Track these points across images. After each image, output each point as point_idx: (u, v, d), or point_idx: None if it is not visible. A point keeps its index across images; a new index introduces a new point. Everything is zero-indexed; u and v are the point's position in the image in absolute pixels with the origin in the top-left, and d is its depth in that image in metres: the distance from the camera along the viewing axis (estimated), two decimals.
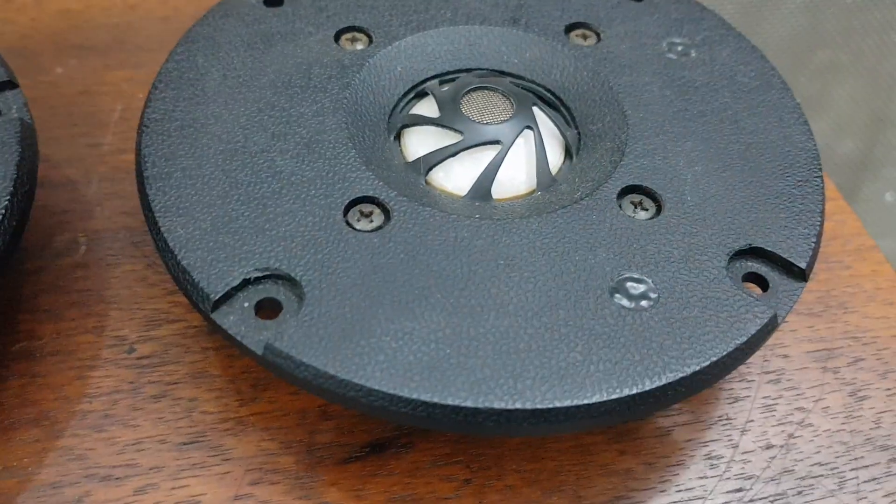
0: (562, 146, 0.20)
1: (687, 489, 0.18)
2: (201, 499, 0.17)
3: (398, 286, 0.16)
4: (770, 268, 0.17)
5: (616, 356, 0.15)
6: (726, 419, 0.19)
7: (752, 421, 0.19)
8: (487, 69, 0.21)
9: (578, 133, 0.20)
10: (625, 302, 0.16)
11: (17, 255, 0.19)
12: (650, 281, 0.17)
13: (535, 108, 0.20)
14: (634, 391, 0.15)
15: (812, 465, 0.19)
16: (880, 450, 0.19)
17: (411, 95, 0.21)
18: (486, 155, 0.19)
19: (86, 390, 0.18)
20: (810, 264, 0.17)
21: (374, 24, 0.21)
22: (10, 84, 0.20)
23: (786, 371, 0.20)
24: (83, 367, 0.19)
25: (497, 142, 0.19)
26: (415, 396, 0.15)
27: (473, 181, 0.19)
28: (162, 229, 0.17)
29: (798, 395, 0.20)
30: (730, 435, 0.19)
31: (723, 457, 0.19)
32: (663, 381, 0.15)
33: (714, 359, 0.16)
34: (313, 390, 0.15)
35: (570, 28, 0.22)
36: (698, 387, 0.16)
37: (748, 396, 0.20)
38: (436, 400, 0.15)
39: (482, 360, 0.15)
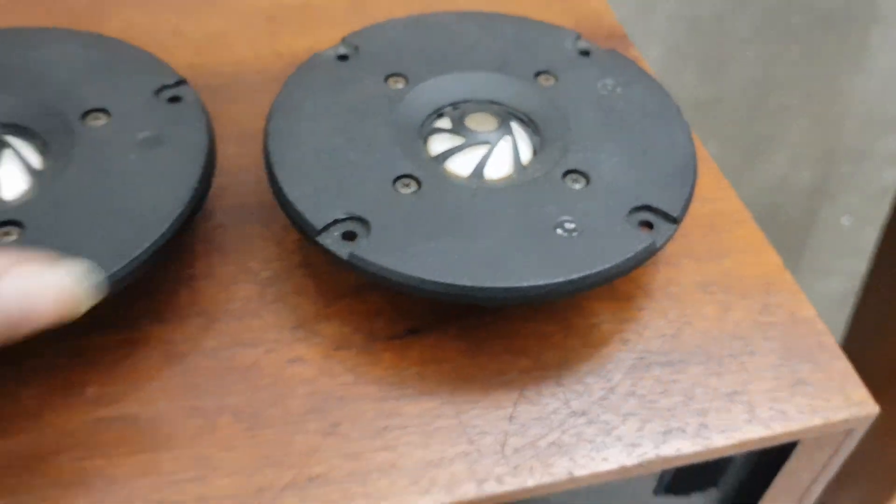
0: (529, 147, 0.31)
1: (609, 354, 0.28)
2: (304, 356, 0.28)
3: (426, 225, 0.27)
4: (655, 217, 0.28)
5: (556, 260, 0.26)
6: (636, 319, 0.30)
7: (653, 321, 0.30)
8: (483, 99, 0.32)
9: (540, 139, 0.31)
10: (560, 231, 0.27)
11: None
12: (578, 222, 0.27)
13: (512, 123, 0.31)
14: (566, 279, 0.26)
15: (691, 346, 0.29)
16: (737, 339, 0.29)
17: (434, 115, 0.32)
18: (481, 151, 0.30)
19: (231, 297, 0.29)
20: (680, 216, 0.28)
21: (410, 71, 0.33)
22: (183, 81, 0.31)
23: (679, 293, 0.31)
24: (229, 283, 0.30)
25: (488, 143, 0.30)
26: (436, 279, 0.26)
27: (473, 167, 0.30)
28: (285, 192, 0.28)
29: (685, 305, 0.30)
30: (637, 328, 0.29)
31: (630, 340, 0.29)
32: (583, 274, 0.26)
33: (612, 263, 0.26)
34: (377, 279, 0.26)
35: (538, 73, 0.33)
36: (603, 280, 0.27)
37: (653, 307, 0.30)
38: (449, 281, 0.26)
39: (477, 262, 0.26)
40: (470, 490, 0.25)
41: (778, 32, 0.65)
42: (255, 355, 0.28)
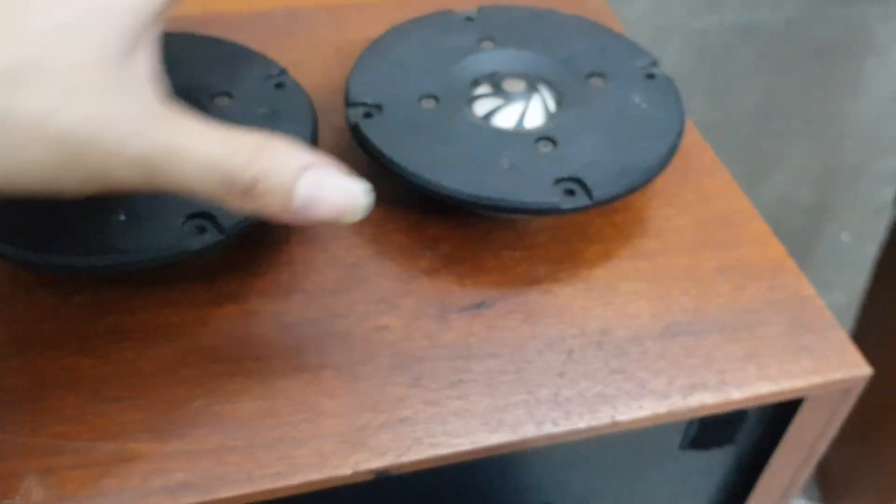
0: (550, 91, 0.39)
1: (641, 325, 0.34)
2: (388, 324, 0.33)
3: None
4: (580, 188, 0.34)
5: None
6: (664, 297, 0.35)
7: (678, 298, 0.35)
8: (526, 74, 0.40)
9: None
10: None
11: None
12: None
13: (538, 84, 0.39)
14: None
15: (711, 318, 0.35)
16: (749, 313, 0.35)
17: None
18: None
19: (324, 278, 0.35)
20: (599, 197, 0.34)
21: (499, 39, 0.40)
22: (285, 71, 0.37)
23: (700, 276, 0.36)
24: (321, 267, 0.35)
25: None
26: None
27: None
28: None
29: (705, 286, 0.36)
30: (665, 304, 0.35)
31: (658, 313, 0.35)
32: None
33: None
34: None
35: (591, 75, 0.39)
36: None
37: (679, 287, 0.36)
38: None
39: (477, 176, 0.33)
40: (530, 430, 0.31)
41: (780, 61, 0.71)
42: (347, 324, 0.33)
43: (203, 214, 0.31)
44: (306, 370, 0.32)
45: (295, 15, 0.49)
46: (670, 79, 0.40)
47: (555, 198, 0.34)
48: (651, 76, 0.40)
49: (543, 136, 0.36)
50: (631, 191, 0.35)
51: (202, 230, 0.31)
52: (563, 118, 0.38)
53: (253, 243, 0.36)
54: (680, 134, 0.37)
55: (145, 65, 0.27)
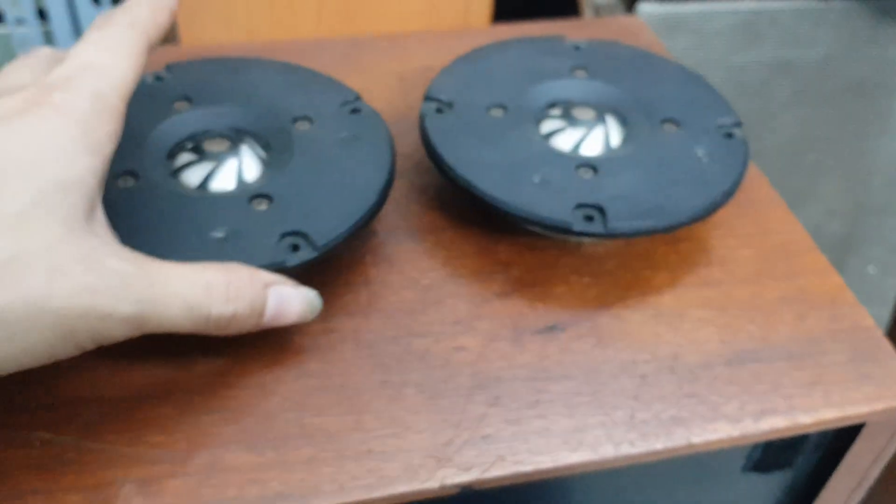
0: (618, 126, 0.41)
1: (711, 351, 0.35)
2: (466, 345, 0.34)
3: None
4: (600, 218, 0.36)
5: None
6: (731, 326, 0.36)
7: (745, 326, 0.36)
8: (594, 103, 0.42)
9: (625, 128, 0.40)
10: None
11: None
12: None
13: (607, 116, 0.40)
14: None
15: (777, 346, 0.36)
16: (813, 342, 0.36)
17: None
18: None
19: (401, 299, 0.36)
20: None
21: (592, 69, 0.43)
22: (360, 97, 0.39)
23: (763, 305, 0.37)
24: (398, 288, 0.37)
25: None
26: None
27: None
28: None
29: (769, 315, 0.37)
30: (732, 331, 0.36)
31: (728, 340, 0.36)
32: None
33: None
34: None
35: (664, 121, 0.40)
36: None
37: (745, 316, 0.37)
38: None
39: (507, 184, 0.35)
40: (609, 450, 0.32)
41: (814, 98, 0.72)
42: (426, 343, 0.35)
43: (297, 233, 0.33)
44: (389, 387, 0.33)
45: (357, 44, 0.51)
46: (745, 142, 0.40)
47: (571, 220, 0.35)
48: (729, 135, 0.40)
49: (586, 164, 0.37)
50: (653, 231, 0.36)
51: (296, 248, 0.32)
52: (617, 152, 0.39)
53: (332, 264, 0.37)
54: (727, 194, 0.38)
55: (103, 222, 0.29)
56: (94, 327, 0.26)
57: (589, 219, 0.35)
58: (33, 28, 0.70)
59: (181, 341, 0.34)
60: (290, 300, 0.31)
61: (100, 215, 0.29)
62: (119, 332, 0.27)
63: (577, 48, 0.45)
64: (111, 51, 0.30)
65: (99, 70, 0.29)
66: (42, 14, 0.71)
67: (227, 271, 0.30)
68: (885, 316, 0.81)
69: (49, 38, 0.71)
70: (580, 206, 0.36)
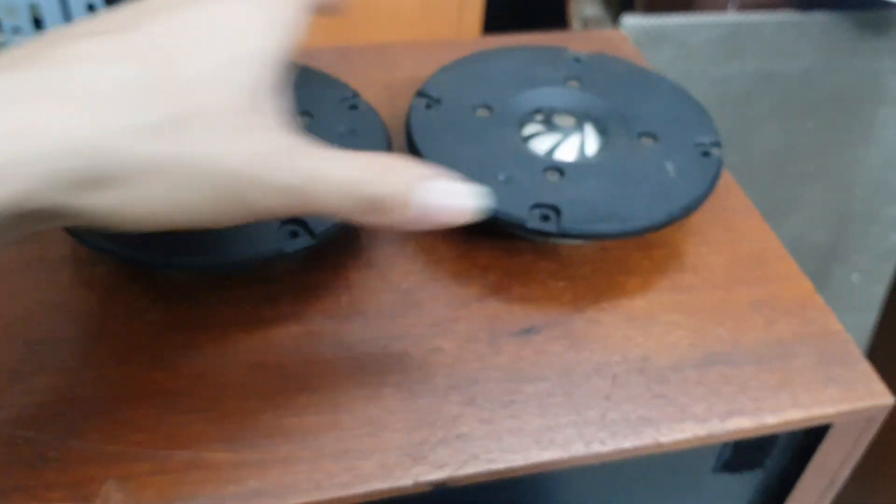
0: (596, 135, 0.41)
1: (681, 354, 0.36)
2: (442, 347, 0.35)
3: None
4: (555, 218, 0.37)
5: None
6: (702, 329, 0.37)
7: (715, 330, 0.37)
8: (573, 110, 0.43)
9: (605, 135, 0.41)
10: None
11: None
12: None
13: (586, 125, 0.41)
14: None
15: (746, 349, 0.37)
16: (781, 345, 0.37)
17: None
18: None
19: (380, 302, 0.37)
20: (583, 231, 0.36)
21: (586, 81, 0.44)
22: (358, 94, 0.40)
23: (735, 310, 0.38)
24: (377, 292, 0.38)
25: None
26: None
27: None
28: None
29: (740, 319, 0.38)
30: (703, 335, 0.37)
31: (698, 344, 0.37)
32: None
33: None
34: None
35: (641, 134, 0.41)
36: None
37: (716, 320, 0.38)
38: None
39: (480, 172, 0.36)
40: (580, 448, 0.32)
41: (796, 109, 0.73)
42: (404, 346, 0.35)
43: (296, 221, 0.34)
44: (367, 387, 0.34)
45: (344, 54, 0.52)
46: (721, 162, 0.41)
47: (526, 217, 0.36)
48: (706, 154, 0.41)
49: (554, 167, 0.39)
50: (606, 236, 0.37)
51: (295, 235, 0.34)
52: (589, 160, 0.40)
53: (313, 268, 0.38)
54: (686, 209, 0.38)
55: (281, 102, 0.29)
56: (254, 196, 0.27)
57: (545, 218, 0.36)
58: (29, 37, 0.71)
59: (164, 342, 0.35)
60: (445, 196, 0.29)
61: (281, 93, 0.29)
62: (274, 205, 0.27)
63: (577, 59, 0.46)
64: None
65: None
66: (38, 23, 0.72)
67: (386, 157, 0.29)
68: (869, 323, 0.81)
69: None
70: (538, 205, 0.37)
